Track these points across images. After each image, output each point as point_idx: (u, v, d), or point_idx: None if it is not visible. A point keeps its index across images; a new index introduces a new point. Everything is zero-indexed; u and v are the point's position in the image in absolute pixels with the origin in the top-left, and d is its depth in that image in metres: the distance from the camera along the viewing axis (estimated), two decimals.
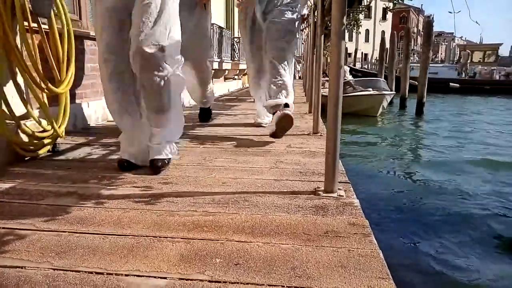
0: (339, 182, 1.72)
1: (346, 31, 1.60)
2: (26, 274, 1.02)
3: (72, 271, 1.04)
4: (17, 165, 2.08)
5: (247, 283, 0.99)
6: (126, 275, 1.02)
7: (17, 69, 2.09)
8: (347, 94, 11.54)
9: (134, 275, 1.02)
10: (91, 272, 1.03)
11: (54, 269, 1.05)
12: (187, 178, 1.90)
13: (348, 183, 1.82)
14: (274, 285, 0.98)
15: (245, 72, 11.01)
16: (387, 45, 19.65)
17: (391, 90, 12.76)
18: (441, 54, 58.09)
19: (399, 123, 12.05)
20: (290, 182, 1.84)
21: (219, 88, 7.82)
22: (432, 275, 2.88)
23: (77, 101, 3.22)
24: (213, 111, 4.31)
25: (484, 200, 4.64)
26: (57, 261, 1.09)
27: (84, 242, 1.21)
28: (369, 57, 48.07)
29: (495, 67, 28.80)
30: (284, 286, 0.98)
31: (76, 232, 1.27)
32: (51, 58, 2.34)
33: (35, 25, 2.23)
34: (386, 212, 4.19)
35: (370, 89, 11.79)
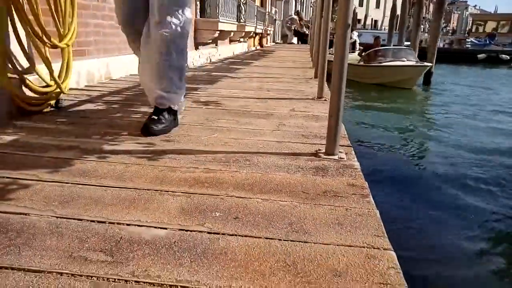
0: (341, 146, 1.73)
1: None
2: (30, 221, 1.05)
3: (75, 219, 1.07)
4: (20, 119, 2.08)
5: (245, 236, 1.01)
6: (128, 225, 1.05)
7: (19, 23, 2.06)
8: (382, 64, 10.89)
9: (135, 225, 1.05)
10: (93, 221, 1.06)
11: (57, 217, 1.07)
12: (189, 137, 1.90)
13: (350, 146, 1.82)
14: (271, 238, 1.00)
15: (251, 34, 10.80)
16: (398, 12, 19.11)
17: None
18: (453, 23, 56.52)
19: (407, 92, 11.84)
20: (291, 144, 1.85)
21: (224, 50, 7.71)
22: (426, 238, 2.95)
23: (80, 58, 3.19)
24: (218, 74, 4.24)
25: (485, 168, 4.66)
26: (60, 209, 1.12)
27: (86, 193, 1.23)
28: (379, 23, 46.88)
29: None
30: (281, 239, 1.00)
31: (79, 184, 1.29)
32: (53, 12, 2.29)
33: None
34: (387, 176, 4.23)
35: (404, 59, 10.86)
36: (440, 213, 3.41)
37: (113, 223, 1.05)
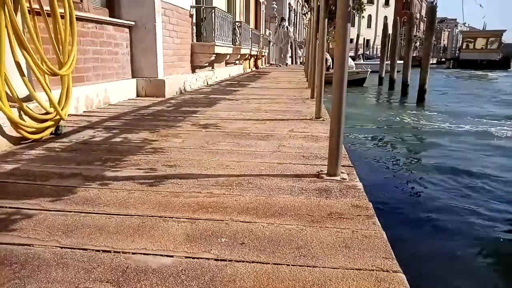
0: (342, 166, 1.73)
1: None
2: (34, 252, 1.04)
3: (80, 249, 1.05)
4: (20, 147, 2.08)
5: (253, 262, 1.00)
6: (133, 253, 1.03)
7: (19, 51, 2.08)
8: None
9: (141, 253, 1.03)
10: (98, 250, 1.05)
11: (61, 247, 1.06)
12: (190, 161, 1.90)
13: (351, 166, 1.83)
14: (279, 264, 0.99)
15: (247, 57, 10.91)
16: (390, 31, 19.48)
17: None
18: (444, 40, 57.54)
19: (402, 112, 11.91)
20: (293, 166, 1.85)
21: (220, 73, 7.78)
22: (434, 257, 2.93)
23: (79, 84, 3.21)
24: (215, 96, 4.25)
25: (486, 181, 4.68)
26: (64, 239, 1.10)
27: (90, 221, 1.22)
28: (371, 43, 47.71)
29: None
30: (289, 264, 0.99)
31: (82, 212, 1.28)
32: (53, 40, 2.32)
33: (37, 6, 2.21)
34: (389, 195, 4.22)
35: None
36: (447, 231, 3.39)
37: (118, 252, 1.04)
